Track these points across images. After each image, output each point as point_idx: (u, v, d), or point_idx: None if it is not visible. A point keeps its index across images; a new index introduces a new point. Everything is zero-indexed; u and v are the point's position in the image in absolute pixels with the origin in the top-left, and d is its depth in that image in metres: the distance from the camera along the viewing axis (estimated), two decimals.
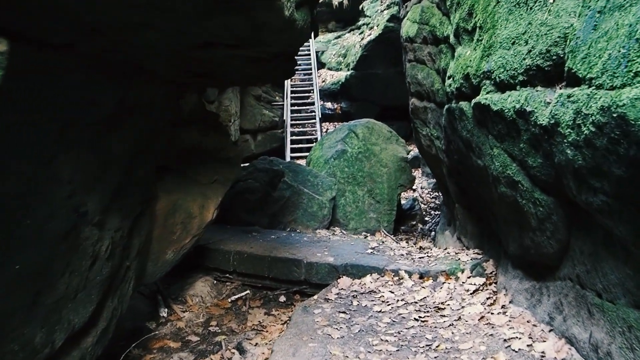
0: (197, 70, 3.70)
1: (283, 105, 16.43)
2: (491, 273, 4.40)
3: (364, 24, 18.45)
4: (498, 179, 3.58)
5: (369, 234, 7.59)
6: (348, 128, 8.47)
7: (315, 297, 4.50)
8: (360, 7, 18.80)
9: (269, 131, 16.90)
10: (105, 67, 2.63)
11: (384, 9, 17.01)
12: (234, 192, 6.86)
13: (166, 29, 2.36)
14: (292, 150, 14.72)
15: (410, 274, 4.63)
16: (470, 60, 4.05)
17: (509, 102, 3.23)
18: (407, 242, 7.36)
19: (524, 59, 3.07)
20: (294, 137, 15.37)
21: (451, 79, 4.56)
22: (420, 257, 5.14)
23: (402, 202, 9.47)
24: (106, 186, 2.65)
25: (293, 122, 16.19)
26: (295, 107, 16.76)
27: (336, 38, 20.39)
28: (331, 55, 19.81)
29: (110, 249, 2.65)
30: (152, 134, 3.36)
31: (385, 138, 8.48)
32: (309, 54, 18.89)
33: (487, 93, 3.61)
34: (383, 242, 6.04)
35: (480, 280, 4.28)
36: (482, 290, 4.17)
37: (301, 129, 16.62)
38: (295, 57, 4.73)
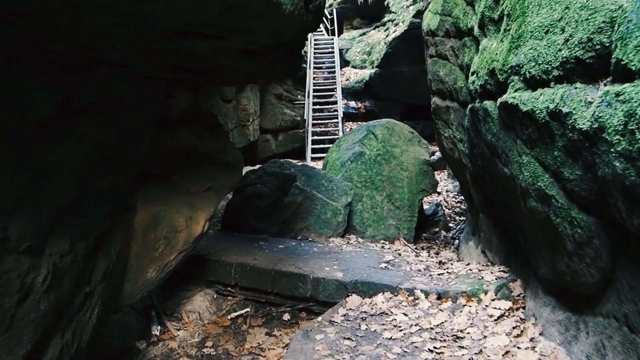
0: (184, 65, 3.27)
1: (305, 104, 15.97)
2: (519, 296, 3.87)
3: (389, 20, 17.88)
4: (527, 192, 3.06)
5: (387, 242, 7.10)
6: (366, 129, 7.97)
7: (320, 318, 4.04)
8: (386, 2, 18.23)
9: (290, 131, 16.53)
10: (39, 60, 2.21)
11: (410, 4, 16.40)
12: (242, 198, 6.45)
13: (114, 11, 1.93)
14: (313, 151, 14.28)
15: (427, 294, 4.13)
16: (496, 54, 3.53)
17: (541, 101, 2.73)
18: (428, 252, 6.84)
19: (560, 50, 2.56)
20: (316, 137, 14.92)
21: (475, 75, 4.05)
22: (439, 274, 4.63)
23: (425, 207, 8.93)
24: (43, 204, 2.24)
25: (315, 121, 15.74)
26: (318, 106, 16.30)
27: (361, 35, 19.86)
28: (355, 52, 19.29)
29: (51, 278, 2.24)
30: (124, 138, 2.95)
31: (407, 139, 7.96)
32: (333, 52, 18.44)
33: (516, 91, 3.10)
34: (400, 255, 5.54)
35: (505, 304, 3.76)
36: (507, 317, 3.65)
37: (323, 129, 16.16)
38: (301, 52, 4.29)
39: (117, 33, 2.23)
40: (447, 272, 4.69)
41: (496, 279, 4.17)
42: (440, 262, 5.18)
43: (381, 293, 4.27)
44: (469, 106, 4.32)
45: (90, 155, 2.58)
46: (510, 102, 3.10)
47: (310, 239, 6.43)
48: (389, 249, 6.54)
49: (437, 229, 8.27)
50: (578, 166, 2.41)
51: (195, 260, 5.19)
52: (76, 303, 2.53)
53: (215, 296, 5.01)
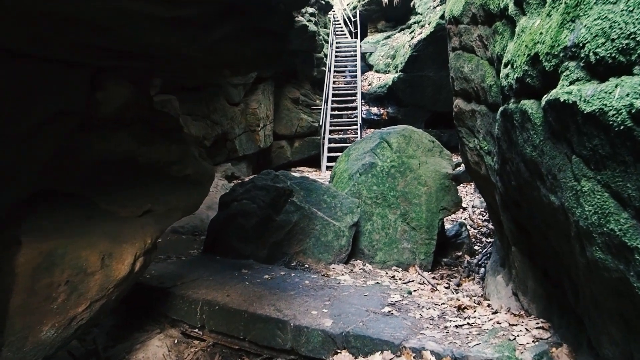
0: (103, 44, 2.33)
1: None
2: None
3: (414, 23, 16.83)
4: (589, 235, 2.03)
5: (400, 270, 6.05)
6: (379, 136, 6.93)
7: None
8: (412, 3, 17.16)
9: (307, 137, 15.62)
10: None
11: (437, 5, 15.31)
12: (227, 215, 5.48)
13: None
14: (329, 159, 13.31)
15: (439, 357, 3.09)
16: (541, 34, 2.50)
17: (617, 96, 1.74)
18: (447, 284, 5.78)
19: None
20: (332, 145, 13.95)
21: (509, 66, 3.02)
22: (457, 326, 3.58)
23: (446, 226, 7.84)
24: None
25: (333, 127, 14.80)
26: (336, 112, 15.37)
27: (385, 38, 18.84)
28: (379, 56, 18.28)
29: None
30: None
31: (426, 149, 6.89)
32: (355, 55, 17.52)
33: (572, 83, 2.08)
34: (410, 294, 4.49)
35: None
36: None
37: (342, 136, 15.19)
38: (284, 35, 3.32)
39: None
40: (468, 323, 3.64)
41: (533, 341, 3.10)
42: (459, 307, 4.11)
43: (379, 352, 3.25)
44: (501, 109, 3.29)
45: None
46: (563, 99, 2.08)
47: (306, 265, 5.42)
48: (400, 280, 5.49)
49: (459, 253, 7.16)
50: None
51: (157, 293, 4.25)
52: None
53: (177, 340, 4.05)
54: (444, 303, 4.23)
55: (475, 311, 4.02)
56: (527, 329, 3.30)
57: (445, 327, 3.54)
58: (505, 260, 5.04)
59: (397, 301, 4.11)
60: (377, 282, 5.05)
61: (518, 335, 3.21)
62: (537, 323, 3.37)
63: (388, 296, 4.26)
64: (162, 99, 7.70)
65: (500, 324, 3.52)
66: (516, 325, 3.41)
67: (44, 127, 2.44)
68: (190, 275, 4.59)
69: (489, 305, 4.34)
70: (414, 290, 5.04)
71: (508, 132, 3.13)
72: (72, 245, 2.58)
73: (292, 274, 4.81)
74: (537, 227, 3.16)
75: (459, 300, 4.67)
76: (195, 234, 7.08)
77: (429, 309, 3.96)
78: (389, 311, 3.84)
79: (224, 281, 4.47)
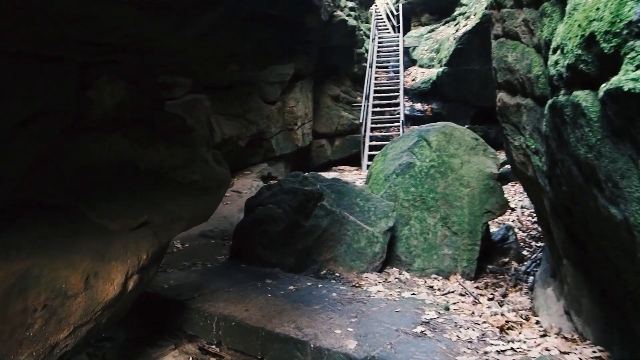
0: (80, 36, 2.03)
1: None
2: None
3: (459, 14, 16.14)
4: None
5: (440, 278, 5.60)
6: (418, 134, 6.47)
7: None
8: None
9: (348, 135, 15.23)
10: None
11: None
12: (252, 220, 5.17)
13: None
14: (370, 158, 12.85)
15: None
16: (598, 8, 2.05)
17: None
18: (492, 294, 5.29)
19: None
20: (374, 143, 13.50)
21: (559, 51, 2.56)
22: (499, 351, 3.13)
23: (492, 229, 7.30)
24: None
25: (374, 125, 14.34)
26: (378, 109, 14.89)
27: (429, 32, 18.18)
28: (423, 51, 17.65)
29: None
30: None
31: (469, 148, 6.39)
32: (397, 50, 17.00)
33: (639, 68, 1.64)
34: (447, 310, 4.05)
35: None
36: None
37: (384, 133, 14.71)
38: (300, 23, 2.97)
39: None
40: (512, 348, 3.18)
41: None
42: (502, 328, 3.65)
43: None
44: (549, 102, 2.84)
45: None
46: (628, 88, 1.65)
47: (337, 274, 5.06)
48: (439, 290, 5.06)
49: (506, 260, 6.62)
50: None
51: (174, 305, 3.99)
52: None
53: (192, 358, 3.77)
54: (485, 322, 3.77)
55: (520, 332, 3.55)
56: (581, 356, 2.84)
57: (486, 353, 3.10)
58: (555, 271, 4.53)
59: (432, 319, 3.69)
60: (413, 294, 4.64)
61: None
62: (594, 352, 2.89)
63: (422, 312, 3.84)
64: (192, 98, 7.50)
65: (549, 350, 3.05)
66: (568, 353, 2.94)
67: (23, 128, 2.18)
68: (210, 286, 4.31)
69: (537, 323, 3.87)
70: (453, 303, 4.61)
71: (558, 129, 2.67)
72: (50, 264, 2.31)
73: (320, 285, 4.45)
74: (594, 240, 2.70)
75: (503, 315, 4.21)
76: (224, 238, 6.84)
77: (468, 328, 3.52)
78: (422, 331, 3.43)
79: (245, 293, 4.16)
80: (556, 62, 2.58)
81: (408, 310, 3.88)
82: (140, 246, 2.68)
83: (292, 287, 4.36)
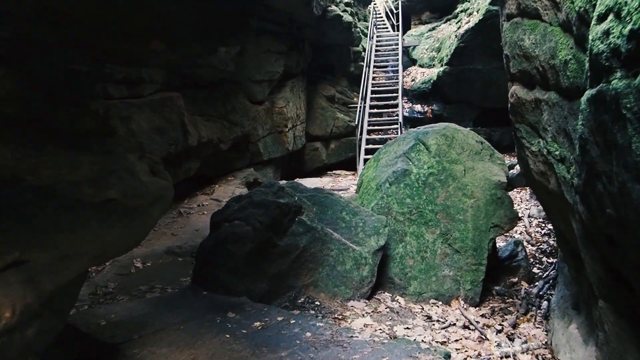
0: None
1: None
2: None
3: (461, 11, 15.36)
4: None
5: (440, 304, 4.81)
6: (415, 137, 5.67)
7: None
8: None
9: (344, 138, 14.51)
10: None
11: None
12: (214, 240, 4.36)
13: None
14: (366, 162, 12.07)
15: None
16: None
17: None
18: (500, 324, 4.52)
19: None
20: (370, 146, 12.70)
21: (610, 16, 1.77)
22: None
23: (498, 244, 6.52)
24: None
25: (371, 127, 13.57)
26: (375, 110, 14.11)
27: (430, 30, 17.42)
28: (423, 50, 16.88)
29: None
30: None
31: (473, 152, 5.60)
32: (397, 49, 16.24)
33: None
34: (448, 356, 3.24)
35: None
36: None
37: (382, 136, 13.92)
38: None
39: None
40: None
41: None
42: None
43: None
44: (587, 94, 2.05)
45: None
46: None
47: (317, 302, 4.26)
48: (438, 322, 4.27)
49: (515, 279, 5.82)
50: None
51: (105, 350, 3.19)
52: None
53: None
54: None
55: None
56: None
57: None
58: (579, 303, 3.73)
59: None
60: (407, 328, 3.86)
61: None
62: None
63: (417, 356, 3.04)
64: (163, 97, 6.70)
65: None
66: None
67: None
68: (157, 323, 3.51)
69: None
70: (455, 341, 3.84)
71: (604, 130, 1.89)
72: None
73: (292, 321, 3.64)
74: None
75: (516, 358, 3.43)
76: (194, 255, 6.03)
77: None
78: None
79: (197, 332, 3.36)
80: (606, 34, 1.78)
81: (399, 359, 3.08)
82: (3, 297, 1.88)
83: (257, 324, 3.55)
